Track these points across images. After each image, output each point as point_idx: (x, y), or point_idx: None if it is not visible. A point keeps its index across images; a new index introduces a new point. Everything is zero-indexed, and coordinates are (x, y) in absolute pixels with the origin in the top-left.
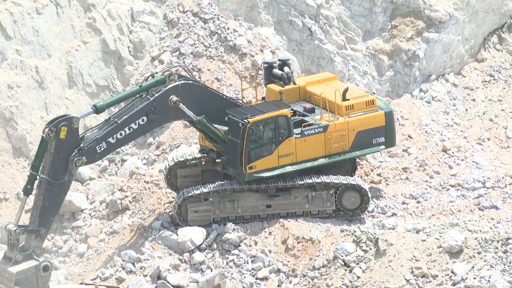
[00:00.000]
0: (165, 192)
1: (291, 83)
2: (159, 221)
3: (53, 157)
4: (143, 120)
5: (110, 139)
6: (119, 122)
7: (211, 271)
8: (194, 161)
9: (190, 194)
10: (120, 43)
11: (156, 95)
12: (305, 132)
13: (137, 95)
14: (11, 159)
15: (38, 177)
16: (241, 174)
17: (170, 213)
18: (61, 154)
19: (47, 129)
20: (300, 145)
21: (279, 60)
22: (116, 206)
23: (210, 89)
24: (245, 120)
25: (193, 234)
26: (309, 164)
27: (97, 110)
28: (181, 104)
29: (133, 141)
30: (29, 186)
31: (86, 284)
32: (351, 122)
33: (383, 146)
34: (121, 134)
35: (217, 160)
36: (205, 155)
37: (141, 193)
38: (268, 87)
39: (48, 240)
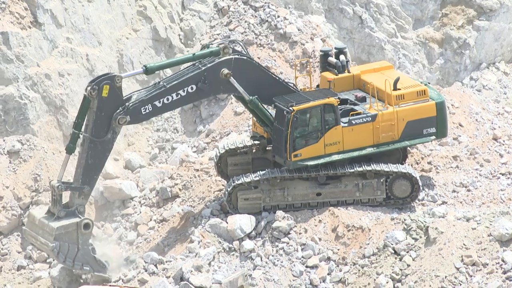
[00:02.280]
0: (215, 180)
1: (346, 71)
2: (209, 209)
3: (96, 115)
4: (192, 88)
5: (157, 102)
6: (168, 86)
7: (261, 259)
8: (244, 149)
9: (240, 182)
10: (170, 31)
11: (208, 65)
12: (352, 121)
13: (189, 64)
14: (61, 146)
15: (80, 135)
16: (286, 161)
17: (220, 201)
18: (103, 112)
19: (89, 88)
20: (347, 134)
21: (335, 48)
22: (166, 193)
23: (264, 69)
24: (290, 108)
25: (242, 222)
26: (356, 153)
27: (147, 71)
28: (232, 77)
29: (183, 129)
30: (71, 145)
31: (110, 285)
32: (401, 112)
33: (433, 137)
34: (168, 99)
35: (267, 148)
36: (256, 142)
37: (191, 180)
38: (322, 75)
39: (98, 228)
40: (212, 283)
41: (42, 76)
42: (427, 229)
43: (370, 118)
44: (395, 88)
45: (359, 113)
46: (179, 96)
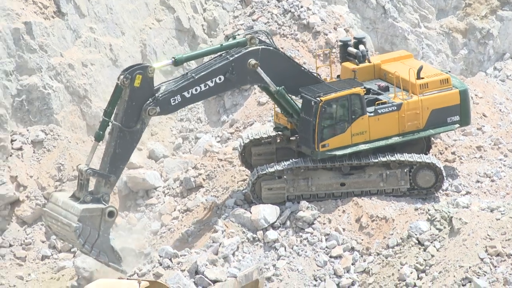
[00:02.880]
0: (239, 169)
1: (366, 61)
2: (233, 198)
3: (127, 104)
4: (219, 79)
5: (186, 93)
6: (196, 77)
7: (285, 249)
8: (268, 139)
9: (264, 172)
10: (194, 21)
11: (236, 56)
12: (378, 111)
13: (217, 54)
14: (85, 136)
15: (110, 123)
16: (314, 152)
17: (244, 191)
18: (134, 102)
19: (122, 76)
20: (374, 123)
21: (354, 38)
22: (190, 183)
23: (290, 59)
24: (318, 99)
25: (266, 212)
26: (382, 143)
27: (176, 62)
28: (259, 68)
29: (207, 119)
30: (101, 132)
31: (128, 279)
32: (425, 101)
33: (457, 125)
34: (196, 90)
35: (291, 138)
36: (279, 133)
37: (214, 171)
38: (342, 65)
39: (122, 218)
40: (227, 277)
41: (66, 66)
42: (451, 220)
43: (395, 107)
44: (418, 77)
45: (384, 103)
46: (207, 87)
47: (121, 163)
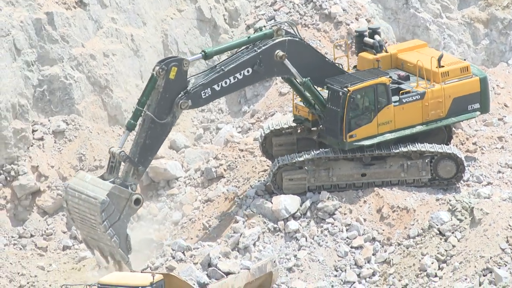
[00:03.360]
0: (260, 160)
1: (383, 51)
2: (254, 189)
3: (161, 96)
4: (248, 71)
5: (215, 86)
6: (225, 70)
7: (306, 240)
8: (289, 130)
9: (285, 163)
10: (215, 11)
11: (263, 48)
12: (403, 100)
13: (244, 46)
14: (106, 126)
15: (142, 113)
16: (342, 143)
17: (265, 182)
18: (168, 94)
19: (157, 67)
20: (399, 112)
21: (369, 28)
22: (211, 174)
23: (315, 50)
24: (345, 89)
25: (287, 202)
26: (407, 132)
27: (206, 55)
28: (286, 59)
29: (228, 109)
30: (132, 121)
31: (142, 272)
32: (447, 89)
33: (478, 112)
34: (226, 83)
35: (312, 129)
36: (299, 124)
37: (235, 161)
38: (360, 55)
39: (144, 208)
40: (241, 269)
41: (87, 56)
42: (472, 210)
43: (419, 96)
44: (439, 65)
45: (408, 92)
46: (236, 79)
47: (150, 154)
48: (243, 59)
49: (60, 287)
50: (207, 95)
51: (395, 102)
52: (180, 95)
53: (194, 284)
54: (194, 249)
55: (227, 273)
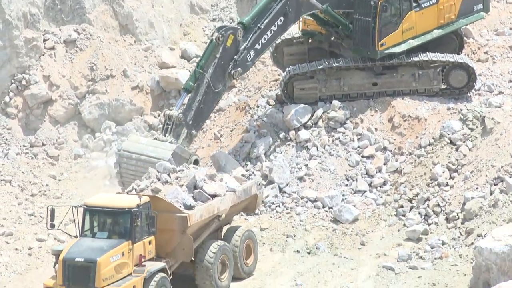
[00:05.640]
0: (271, 70)
1: None
2: (265, 98)
3: (217, 62)
4: (280, 21)
5: (257, 46)
6: (263, 27)
7: (317, 149)
8: (300, 39)
9: (297, 72)
10: None
11: None
12: (422, 5)
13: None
14: (117, 36)
15: (200, 77)
16: (373, 52)
17: (276, 91)
18: (223, 61)
19: (217, 33)
20: (419, 18)
21: None
22: None
23: None
24: None
25: (298, 111)
26: (428, 36)
27: (245, 26)
28: None
29: (239, 19)
30: (191, 83)
31: (127, 193)
32: None
33: (483, 13)
34: (264, 39)
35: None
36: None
37: None
38: None
39: (155, 117)
40: (226, 191)
41: None
42: (484, 119)
43: (435, 1)
44: None
45: None
46: (272, 32)
47: (202, 120)
48: (274, 11)
49: (47, 208)
50: (251, 56)
51: (415, 7)
52: (230, 66)
53: (180, 206)
54: (179, 171)
55: (213, 196)
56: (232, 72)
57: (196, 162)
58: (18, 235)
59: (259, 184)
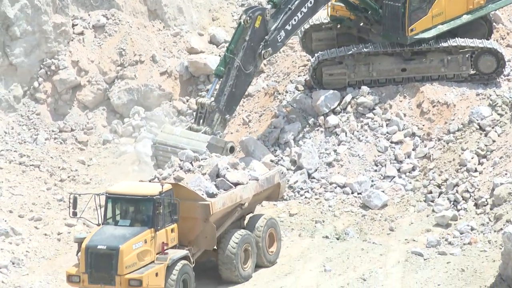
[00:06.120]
0: (300, 55)
1: None
2: (293, 84)
3: (247, 44)
4: (310, 3)
5: (287, 27)
6: (293, 8)
7: (346, 134)
8: (329, 25)
9: (325, 57)
10: None
11: None
12: None
13: None
14: (146, 21)
15: (230, 61)
16: (402, 37)
17: (305, 76)
18: (253, 42)
19: (244, 16)
20: (448, 3)
21: None
22: None
23: None
24: None
25: (327, 97)
26: (458, 22)
27: (275, 4)
28: None
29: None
30: (222, 68)
31: (150, 181)
32: None
33: None
34: (295, 20)
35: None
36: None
37: (275, 56)
38: None
39: (183, 103)
40: (249, 179)
41: None
42: None
43: None
44: None
45: None
46: (302, 14)
47: (235, 103)
48: None
49: (69, 196)
50: (282, 37)
51: None
52: (260, 46)
53: (202, 194)
54: (202, 159)
55: (236, 184)
56: (262, 52)
57: (232, 149)
58: (47, 221)
59: (282, 173)
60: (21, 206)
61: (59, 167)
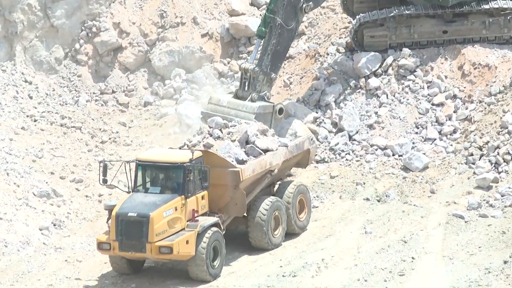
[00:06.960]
0: (341, 17)
1: None
2: (335, 46)
3: (286, 1)
4: None
5: None
6: None
7: (387, 97)
8: None
9: (367, 20)
10: None
11: None
12: None
13: None
14: None
15: (271, 21)
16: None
17: (346, 39)
18: None
19: None
20: None
21: None
22: None
23: None
24: None
25: (368, 59)
26: None
27: None
28: None
29: None
30: (263, 29)
31: (180, 148)
32: None
33: None
34: None
35: None
36: None
37: (316, 18)
38: None
39: (224, 65)
40: (278, 146)
41: None
42: None
43: None
44: None
45: None
46: None
47: (279, 61)
48: None
49: (99, 162)
50: None
51: None
52: (302, 1)
53: (232, 161)
54: (231, 126)
55: (265, 150)
56: (304, 6)
57: (281, 111)
58: (88, 182)
59: (312, 139)
60: (63, 168)
61: (100, 129)
